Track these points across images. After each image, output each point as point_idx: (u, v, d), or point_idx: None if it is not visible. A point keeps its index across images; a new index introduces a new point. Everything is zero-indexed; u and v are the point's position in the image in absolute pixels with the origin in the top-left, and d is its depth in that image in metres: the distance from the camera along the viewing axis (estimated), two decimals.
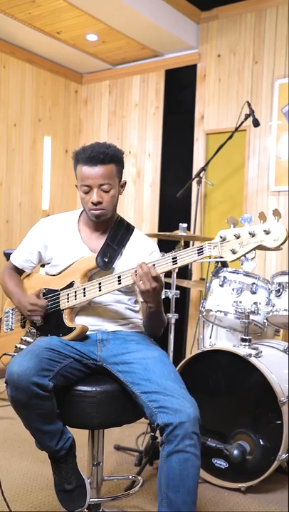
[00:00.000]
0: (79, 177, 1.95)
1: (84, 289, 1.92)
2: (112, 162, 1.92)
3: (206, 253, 1.71)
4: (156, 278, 1.77)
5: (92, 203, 1.92)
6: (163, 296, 1.98)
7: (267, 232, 1.62)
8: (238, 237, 1.66)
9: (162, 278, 1.86)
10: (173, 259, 1.76)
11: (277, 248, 1.63)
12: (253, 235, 1.64)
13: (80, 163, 1.93)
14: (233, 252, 1.67)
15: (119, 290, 1.94)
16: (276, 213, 1.61)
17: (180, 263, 1.76)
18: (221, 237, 1.69)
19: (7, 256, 2.22)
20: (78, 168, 1.94)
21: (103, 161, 1.89)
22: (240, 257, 1.68)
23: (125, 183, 2.03)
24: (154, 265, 1.79)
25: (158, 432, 1.77)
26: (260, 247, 1.66)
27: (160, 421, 1.66)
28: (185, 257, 1.75)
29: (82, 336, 1.94)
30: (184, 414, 1.64)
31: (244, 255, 1.67)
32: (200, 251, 1.72)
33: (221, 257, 1.70)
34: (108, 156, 1.91)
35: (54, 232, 2.06)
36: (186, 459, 1.65)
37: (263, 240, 1.62)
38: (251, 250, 1.66)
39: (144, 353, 1.87)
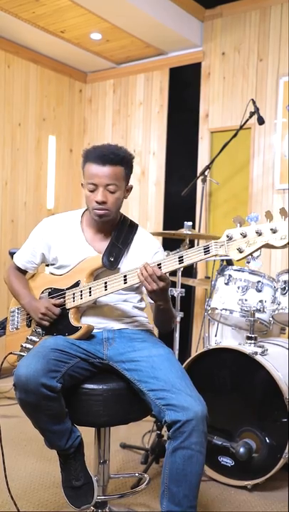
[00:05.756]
0: (86, 175, 1.93)
1: (90, 288, 1.92)
2: (121, 164, 1.91)
3: (212, 252, 1.72)
4: (161, 278, 1.77)
5: (97, 202, 1.91)
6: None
7: (273, 231, 1.62)
8: (244, 236, 1.67)
9: (168, 276, 1.86)
10: (179, 258, 1.77)
11: (284, 247, 1.64)
12: (259, 233, 1.65)
13: (89, 161, 1.92)
14: (240, 251, 1.67)
15: (125, 289, 1.94)
16: (283, 212, 1.62)
17: (186, 262, 1.76)
18: (227, 236, 1.70)
19: (12, 255, 2.23)
20: (87, 166, 1.93)
21: (112, 162, 1.88)
22: (246, 256, 1.68)
23: (132, 187, 2.01)
24: (159, 265, 1.79)
25: (165, 429, 1.78)
26: (267, 246, 1.66)
27: (168, 418, 1.67)
28: (191, 256, 1.75)
29: (88, 335, 1.94)
30: (191, 412, 1.65)
31: (251, 254, 1.68)
32: (206, 250, 1.72)
33: (227, 256, 1.71)
34: (118, 158, 1.90)
35: (58, 233, 2.05)
36: (190, 456, 1.66)
37: (270, 239, 1.63)
38: (258, 249, 1.66)
39: (151, 351, 1.87)
